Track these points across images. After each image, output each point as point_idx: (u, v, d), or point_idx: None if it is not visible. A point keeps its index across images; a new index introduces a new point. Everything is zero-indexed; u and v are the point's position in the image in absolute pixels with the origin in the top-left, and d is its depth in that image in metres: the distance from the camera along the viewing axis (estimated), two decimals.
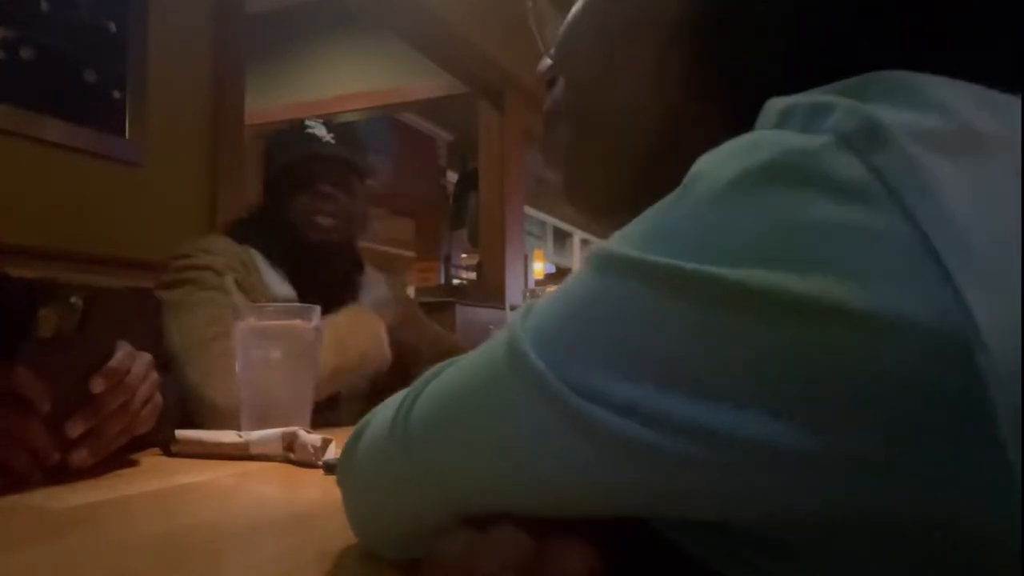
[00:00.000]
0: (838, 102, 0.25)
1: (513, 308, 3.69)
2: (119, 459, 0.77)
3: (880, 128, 0.24)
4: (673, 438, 0.24)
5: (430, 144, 5.75)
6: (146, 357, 0.79)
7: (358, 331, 1.21)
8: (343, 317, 1.21)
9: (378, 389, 1.35)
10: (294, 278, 1.30)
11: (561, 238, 10.49)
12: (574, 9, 0.42)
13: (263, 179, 1.37)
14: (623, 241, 0.27)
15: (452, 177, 5.90)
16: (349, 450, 0.43)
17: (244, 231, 1.33)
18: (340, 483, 0.45)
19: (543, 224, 9.66)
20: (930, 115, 0.25)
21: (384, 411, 0.39)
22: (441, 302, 3.26)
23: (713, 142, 0.28)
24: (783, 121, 0.27)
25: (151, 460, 0.82)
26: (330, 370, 1.12)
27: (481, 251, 4.17)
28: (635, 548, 0.32)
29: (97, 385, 0.70)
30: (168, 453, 0.85)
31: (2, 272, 0.77)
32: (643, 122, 0.39)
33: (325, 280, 1.32)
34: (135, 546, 0.51)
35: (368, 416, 0.42)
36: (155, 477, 0.75)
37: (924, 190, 0.23)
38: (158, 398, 0.80)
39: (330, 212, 1.31)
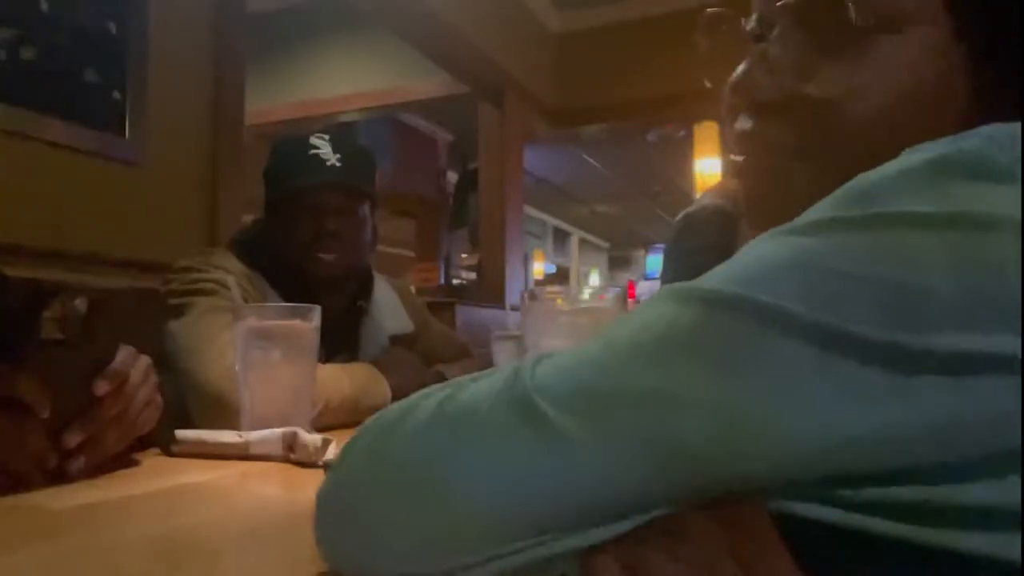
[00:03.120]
0: None
1: (513, 308, 3.69)
2: (119, 459, 0.77)
3: None
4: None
5: (430, 144, 5.74)
6: (146, 360, 0.79)
7: (375, 391, 1.19)
8: (363, 374, 1.20)
9: None
10: None
11: (561, 238, 10.49)
12: None
13: (265, 195, 1.30)
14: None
15: (452, 177, 5.90)
16: (381, 439, 0.38)
17: (249, 251, 1.26)
18: (365, 477, 0.38)
19: (543, 224, 9.66)
20: None
21: (435, 395, 0.37)
22: (441, 302, 3.26)
23: None
24: None
25: (151, 460, 0.82)
26: (339, 419, 1.10)
27: (481, 251, 4.16)
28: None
29: (101, 387, 0.70)
30: (168, 453, 0.85)
31: (1, 273, 0.76)
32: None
33: (330, 310, 1.22)
34: (135, 546, 0.51)
35: (404, 406, 0.39)
36: (155, 477, 0.75)
37: None
38: (159, 399, 0.80)
39: (334, 248, 1.25)
